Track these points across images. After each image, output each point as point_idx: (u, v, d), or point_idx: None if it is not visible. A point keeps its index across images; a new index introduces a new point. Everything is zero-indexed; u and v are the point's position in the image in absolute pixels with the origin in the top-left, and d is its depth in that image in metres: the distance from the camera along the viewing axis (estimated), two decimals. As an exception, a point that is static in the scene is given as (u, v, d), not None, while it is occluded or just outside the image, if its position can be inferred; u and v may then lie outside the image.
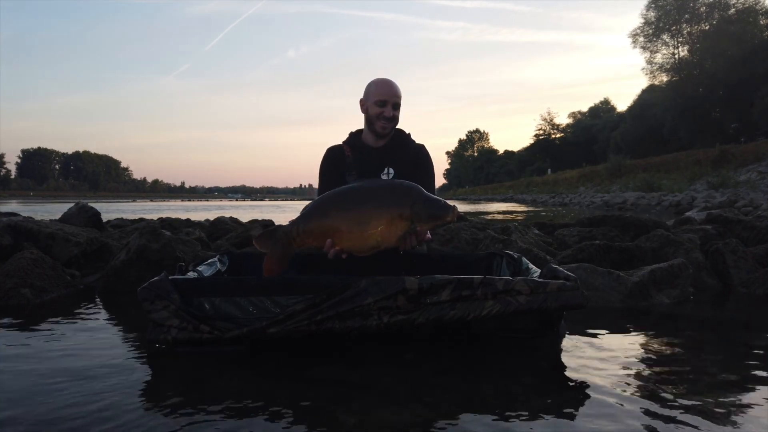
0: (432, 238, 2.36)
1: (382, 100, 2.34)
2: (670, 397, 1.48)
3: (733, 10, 37.64)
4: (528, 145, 73.94)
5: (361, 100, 2.44)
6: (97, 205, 5.40)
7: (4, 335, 2.10)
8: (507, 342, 1.92)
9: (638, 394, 1.50)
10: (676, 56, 40.78)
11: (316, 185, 2.55)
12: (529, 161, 68.38)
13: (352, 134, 2.53)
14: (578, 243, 3.68)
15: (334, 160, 2.45)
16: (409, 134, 2.56)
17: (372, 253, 1.91)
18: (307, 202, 2.13)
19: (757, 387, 1.56)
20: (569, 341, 2.00)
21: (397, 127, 2.52)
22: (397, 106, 2.37)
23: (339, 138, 2.58)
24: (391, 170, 2.40)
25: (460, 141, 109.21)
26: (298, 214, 1.98)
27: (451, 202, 1.94)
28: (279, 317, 1.73)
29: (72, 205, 4.84)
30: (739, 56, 32.90)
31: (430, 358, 1.80)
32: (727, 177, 19.24)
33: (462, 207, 22.33)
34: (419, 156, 2.47)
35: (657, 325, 2.40)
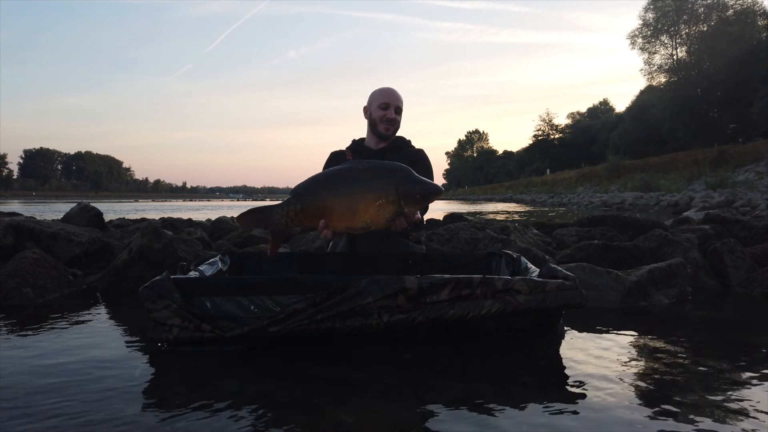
0: (422, 220, 2.38)
1: (385, 103, 2.53)
2: (668, 396, 1.50)
3: (731, 11, 37.73)
4: (527, 145, 74.06)
5: (364, 107, 2.62)
6: (99, 205, 5.41)
7: (6, 335, 2.11)
8: (507, 342, 1.93)
9: (637, 393, 1.52)
10: (675, 57, 40.85)
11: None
12: (528, 161, 68.44)
13: (354, 141, 2.68)
14: (577, 243, 3.69)
15: (336, 162, 2.52)
16: (409, 141, 2.68)
17: (363, 232, 1.96)
18: None
19: (756, 387, 1.57)
20: (568, 340, 2.02)
21: (398, 134, 2.65)
22: (399, 110, 2.55)
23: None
24: None
25: (460, 141, 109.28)
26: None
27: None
28: (280, 316, 1.74)
29: (74, 205, 4.86)
30: (737, 57, 32.96)
31: (429, 358, 1.82)
32: (725, 177, 19.29)
33: (461, 207, 22.34)
34: (417, 158, 2.56)
35: (655, 324, 2.41)
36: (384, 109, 2.54)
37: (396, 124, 2.57)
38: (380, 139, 2.59)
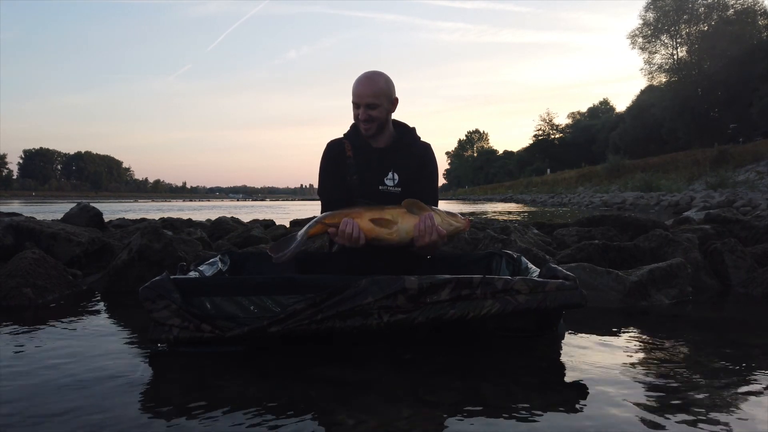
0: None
1: (355, 102, 2.24)
2: (668, 396, 1.49)
3: (731, 11, 37.72)
4: (527, 145, 74.15)
5: None
6: (99, 206, 5.42)
7: (6, 335, 2.11)
8: (507, 342, 1.93)
9: (637, 393, 1.51)
10: (675, 57, 40.84)
11: (316, 185, 2.48)
12: (529, 161, 68.44)
13: (354, 126, 2.38)
14: (577, 243, 3.69)
15: (334, 158, 2.34)
16: (413, 130, 2.41)
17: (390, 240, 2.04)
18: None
19: (756, 387, 1.57)
20: (568, 341, 2.02)
21: (401, 121, 2.39)
22: (372, 106, 2.21)
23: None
24: (396, 175, 2.29)
25: (460, 141, 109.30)
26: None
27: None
28: (280, 316, 1.74)
29: (74, 205, 4.86)
30: (737, 57, 32.97)
31: (429, 358, 1.82)
32: (726, 177, 19.27)
33: (461, 207, 22.32)
34: (424, 159, 2.35)
35: (656, 324, 2.41)
36: (356, 108, 2.24)
37: (374, 121, 2.23)
38: (368, 138, 2.30)
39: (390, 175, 2.29)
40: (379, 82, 2.24)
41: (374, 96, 2.21)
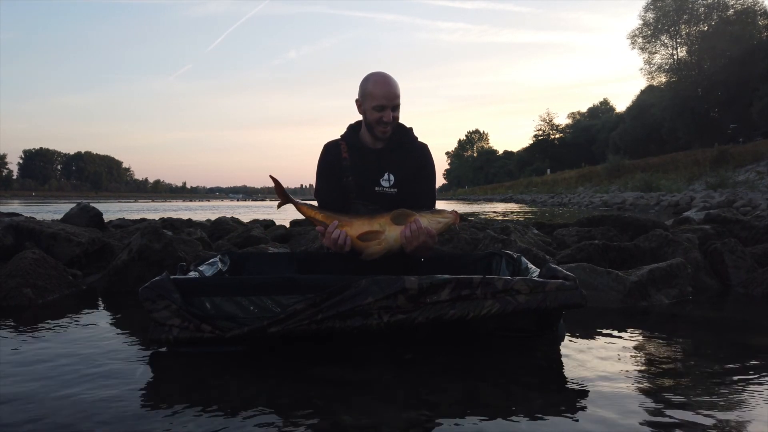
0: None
1: (380, 105, 2.18)
2: (668, 396, 1.49)
3: (731, 11, 37.73)
4: (527, 145, 74.13)
5: (357, 101, 2.27)
6: (99, 206, 5.42)
7: (6, 335, 2.11)
8: (507, 342, 1.93)
9: (637, 393, 1.51)
10: (675, 57, 40.84)
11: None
12: (529, 161, 68.46)
13: (350, 128, 2.37)
14: (577, 243, 3.69)
15: (331, 160, 2.33)
16: (410, 130, 2.39)
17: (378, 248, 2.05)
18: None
19: (756, 387, 1.57)
20: (568, 341, 2.02)
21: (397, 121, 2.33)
22: (396, 107, 2.23)
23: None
24: (392, 176, 2.28)
25: (460, 141, 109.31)
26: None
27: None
28: (280, 316, 1.74)
29: (74, 205, 4.87)
30: (737, 57, 32.98)
31: (430, 358, 1.82)
32: (726, 177, 19.29)
33: (462, 207, 22.33)
34: (421, 160, 2.33)
35: (656, 324, 2.41)
36: (380, 111, 2.18)
37: (395, 122, 2.24)
38: (378, 140, 2.29)
39: (386, 176, 2.28)
40: (396, 84, 2.25)
41: (398, 97, 2.24)
